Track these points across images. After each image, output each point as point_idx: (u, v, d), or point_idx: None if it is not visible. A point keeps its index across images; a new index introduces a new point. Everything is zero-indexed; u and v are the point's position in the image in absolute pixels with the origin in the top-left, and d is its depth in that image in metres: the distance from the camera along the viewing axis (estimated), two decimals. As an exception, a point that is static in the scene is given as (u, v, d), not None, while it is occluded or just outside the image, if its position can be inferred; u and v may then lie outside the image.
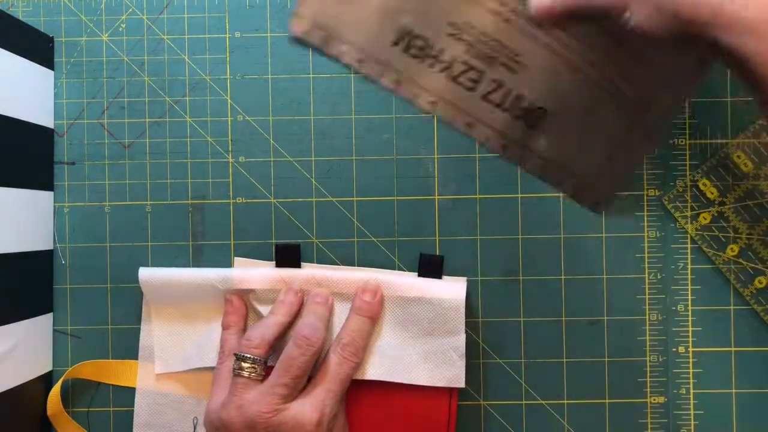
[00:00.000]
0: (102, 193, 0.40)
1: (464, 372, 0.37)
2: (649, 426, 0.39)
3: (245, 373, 0.33)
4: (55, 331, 0.40)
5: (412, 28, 0.35)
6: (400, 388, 0.37)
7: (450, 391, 0.37)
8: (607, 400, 0.39)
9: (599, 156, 0.35)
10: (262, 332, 0.34)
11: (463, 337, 0.37)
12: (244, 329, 0.37)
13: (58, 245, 0.40)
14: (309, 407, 0.32)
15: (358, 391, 0.37)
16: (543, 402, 0.39)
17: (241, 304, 0.37)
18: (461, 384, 0.37)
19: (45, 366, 0.39)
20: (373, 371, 0.36)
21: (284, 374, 0.33)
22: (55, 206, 0.40)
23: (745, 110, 0.38)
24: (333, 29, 0.34)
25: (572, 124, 0.35)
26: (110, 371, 0.39)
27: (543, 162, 0.35)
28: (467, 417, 0.39)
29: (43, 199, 0.39)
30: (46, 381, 0.39)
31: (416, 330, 0.37)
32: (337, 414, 0.34)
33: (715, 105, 0.39)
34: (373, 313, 0.36)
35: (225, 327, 0.37)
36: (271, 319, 0.35)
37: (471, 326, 0.39)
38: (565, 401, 0.39)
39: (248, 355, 0.33)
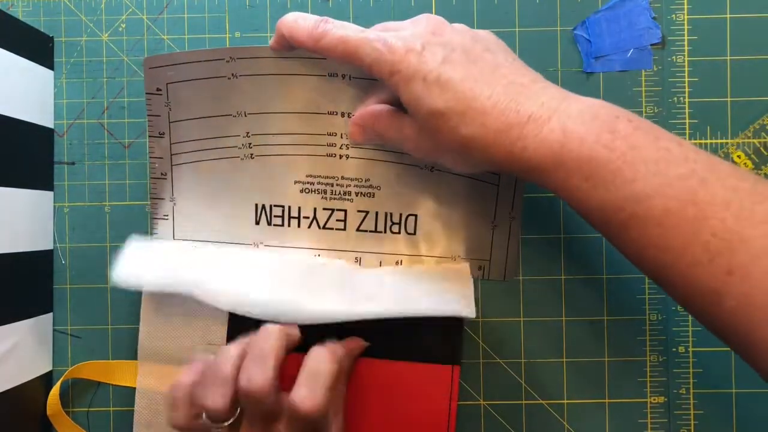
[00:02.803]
0: (102, 193, 0.40)
1: (473, 302, 0.34)
2: (649, 426, 0.39)
3: None
4: (55, 331, 0.40)
5: (264, 202, 0.36)
6: (400, 388, 0.37)
7: (450, 391, 0.37)
8: (607, 400, 0.39)
9: (484, 235, 0.38)
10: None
11: (471, 284, 0.36)
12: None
13: (58, 245, 0.40)
14: None
15: (357, 390, 0.37)
16: (543, 402, 0.39)
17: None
18: (472, 313, 0.34)
19: (45, 366, 0.39)
20: (373, 309, 0.34)
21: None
22: (55, 206, 0.40)
23: (745, 110, 0.38)
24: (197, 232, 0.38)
25: (448, 215, 0.38)
26: (110, 371, 0.39)
27: (437, 258, 0.38)
28: (467, 417, 0.39)
29: (43, 199, 0.39)
30: (46, 381, 0.39)
31: (418, 280, 0.36)
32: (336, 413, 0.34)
33: (715, 105, 0.39)
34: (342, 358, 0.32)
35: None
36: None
37: (471, 326, 0.39)
38: (565, 401, 0.39)
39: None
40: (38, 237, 0.39)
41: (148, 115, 0.36)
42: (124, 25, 0.40)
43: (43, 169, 0.39)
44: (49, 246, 0.40)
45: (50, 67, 0.40)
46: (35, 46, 0.38)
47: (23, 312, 0.37)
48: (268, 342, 0.30)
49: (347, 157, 0.36)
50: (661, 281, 0.27)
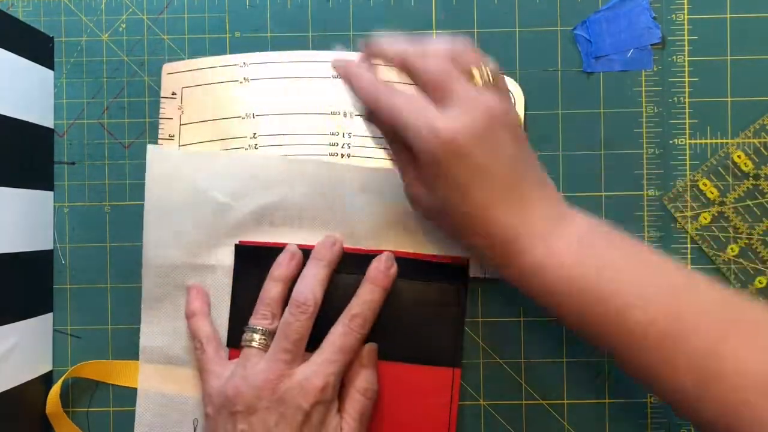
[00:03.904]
0: (102, 193, 0.40)
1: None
2: (649, 426, 0.39)
3: (255, 344, 0.34)
4: (55, 331, 0.40)
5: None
6: (401, 390, 0.37)
7: (451, 394, 0.37)
8: (607, 400, 0.39)
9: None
10: (271, 310, 0.35)
11: None
12: (209, 312, 0.38)
13: (58, 245, 0.40)
14: (313, 374, 0.32)
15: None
16: (543, 402, 0.39)
17: (203, 289, 0.38)
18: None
19: (45, 366, 0.39)
20: (384, 244, 0.37)
21: (283, 340, 0.33)
22: (55, 206, 0.40)
23: (745, 110, 0.38)
24: None
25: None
26: (111, 372, 0.39)
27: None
28: (467, 417, 0.39)
29: (43, 199, 0.39)
30: (46, 381, 0.39)
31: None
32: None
33: (715, 105, 0.39)
34: (386, 283, 0.36)
35: (191, 315, 0.37)
36: (273, 292, 0.35)
37: (471, 326, 0.39)
38: (565, 401, 0.39)
39: (259, 327, 0.34)
40: (38, 237, 0.39)
41: (161, 118, 0.38)
42: (124, 25, 0.40)
43: (43, 169, 0.39)
44: (49, 246, 0.40)
45: (50, 67, 0.40)
46: (35, 46, 0.38)
47: (23, 312, 0.37)
48: (323, 263, 0.36)
49: (348, 156, 0.37)
50: (644, 385, 0.31)
